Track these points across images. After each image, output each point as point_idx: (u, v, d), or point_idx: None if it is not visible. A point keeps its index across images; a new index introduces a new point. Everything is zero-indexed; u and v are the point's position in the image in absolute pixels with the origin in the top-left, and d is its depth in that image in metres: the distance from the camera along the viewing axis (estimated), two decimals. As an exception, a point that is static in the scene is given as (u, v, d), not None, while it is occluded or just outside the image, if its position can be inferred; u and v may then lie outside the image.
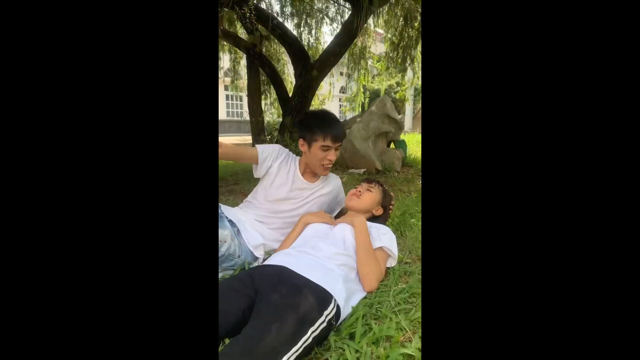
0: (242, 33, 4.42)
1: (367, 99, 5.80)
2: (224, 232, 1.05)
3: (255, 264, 1.15)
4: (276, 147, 1.32)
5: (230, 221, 1.15)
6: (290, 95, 3.49)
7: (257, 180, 1.34)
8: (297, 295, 0.75)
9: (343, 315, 0.82)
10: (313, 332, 0.71)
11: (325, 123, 1.20)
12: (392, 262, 1.09)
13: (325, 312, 0.75)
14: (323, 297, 0.78)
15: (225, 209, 1.22)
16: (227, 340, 0.70)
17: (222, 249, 1.05)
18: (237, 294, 0.80)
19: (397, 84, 7.01)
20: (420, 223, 1.51)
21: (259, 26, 3.52)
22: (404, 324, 0.80)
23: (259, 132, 4.10)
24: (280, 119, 3.58)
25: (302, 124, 1.25)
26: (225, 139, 1.27)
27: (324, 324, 0.74)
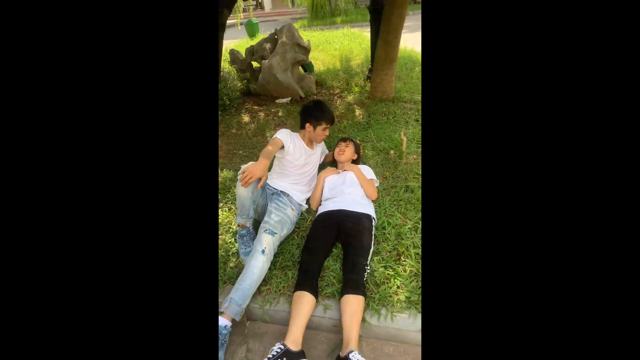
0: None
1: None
2: (290, 211, 1.74)
3: (303, 210, 1.91)
4: (286, 132, 1.90)
5: (284, 193, 1.82)
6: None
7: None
8: (360, 221, 1.61)
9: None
10: (373, 234, 1.61)
11: (325, 113, 1.87)
12: (376, 183, 2.00)
13: (373, 225, 1.65)
14: (369, 218, 1.66)
15: (272, 182, 1.86)
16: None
17: (294, 219, 1.77)
18: (327, 231, 1.61)
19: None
20: (371, 152, 2.41)
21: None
22: (399, 215, 1.77)
23: None
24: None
25: (311, 115, 1.87)
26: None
27: (374, 230, 1.65)
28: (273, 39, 3.95)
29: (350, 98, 3.63)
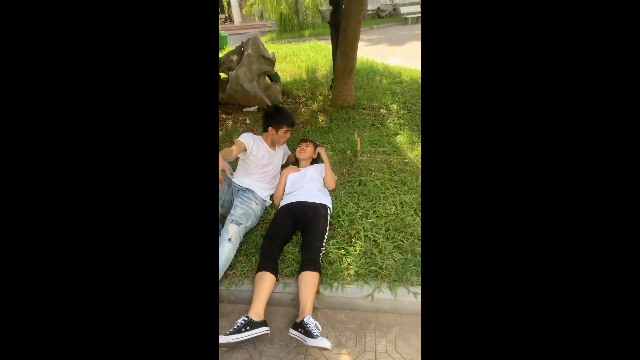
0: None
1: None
2: (255, 205, 1.92)
3: (267, 205, 2.09)
4: (249, 135, 2.09)
5: (248, 189, 1.99)
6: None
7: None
8: (317, 210, 1.82)
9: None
10: (329, 221, 1.82)
11: (286, 117, 2.08)
12: (335, 178, 2.22)
13: (329, 213, 1.86)
14: (325, 207, 1.87)
15: (237, 180, 2.03)
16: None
17: (259, 214, 1.95)
18: (287, 220, 1.80)
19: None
20: (330, 153, 2.64)
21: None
22: (352, 205, 1.99)
23: None
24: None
25: (273, 119, 2.07)
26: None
27: (329, 218, 1.86)
28: (240, 51, 4.14)
29: (314, 106, 3.88)
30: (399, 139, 2.77)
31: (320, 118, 3.49)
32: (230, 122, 3.63)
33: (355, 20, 3.25)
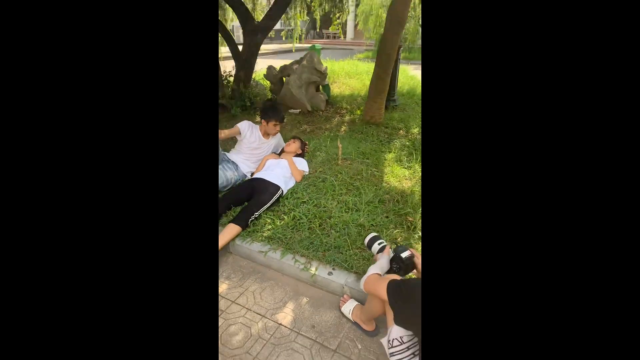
0: None
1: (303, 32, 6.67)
2: (230, 174, 2.50)
3: (245, 180, 2.65)
4: (247, 123, 2.69)
5: (233, 162, 2.59)
6: (240, 51, 4.50)
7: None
8: (267, 187, 2.29)
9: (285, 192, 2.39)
10: (275, 198, 2.27)
11: (276, 112, 2.62)
12: (305, 172, 2.65)
13: (278, 192, 2.32)
14: (276, 187, 2.33)
15: (229, 154, 2.64)
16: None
17: (232, 181, 2.52)
18: (245, 189, 2.32)
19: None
20: (323, 154, 3.06)
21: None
22: (303, 193, 2.39)
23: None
24: (234, 71, 4.64)
25: (265, 113, 2.63)
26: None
27: (277, 196, 2.31)
28: (301, 62, 4.83)
29: (347, 118, 4.30)
30: (389, 155, 3.01)
31: (343, 128, 3.91)
32: (272, 118, 4.33)
33: (390, 47, 3.58)
